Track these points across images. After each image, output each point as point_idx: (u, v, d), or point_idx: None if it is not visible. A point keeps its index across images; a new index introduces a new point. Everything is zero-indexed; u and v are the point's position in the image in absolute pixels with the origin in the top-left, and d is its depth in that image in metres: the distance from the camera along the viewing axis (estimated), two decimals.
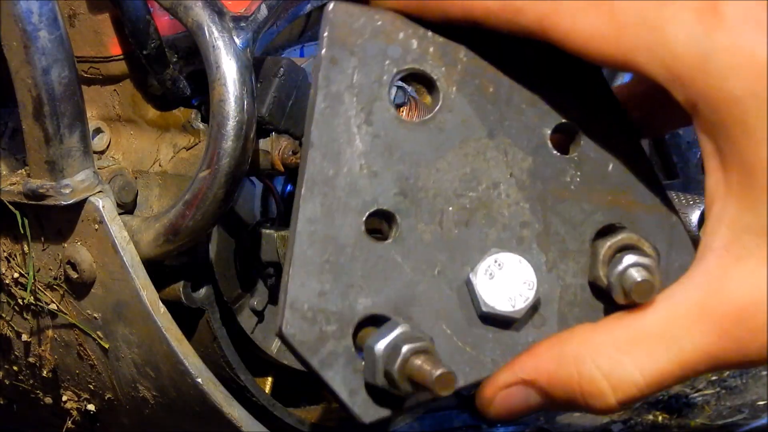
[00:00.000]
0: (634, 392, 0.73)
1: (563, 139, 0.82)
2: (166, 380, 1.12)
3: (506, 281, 0.78)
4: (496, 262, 0.78)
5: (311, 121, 0.78)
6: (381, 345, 0.75)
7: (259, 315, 1.24)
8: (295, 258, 0.76)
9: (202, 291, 1.18)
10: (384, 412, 0.77)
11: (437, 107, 0.80)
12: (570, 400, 0.75)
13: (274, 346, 1.26)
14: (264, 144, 1.14)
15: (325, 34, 0.79)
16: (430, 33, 0.81)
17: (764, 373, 1.87)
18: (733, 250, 0.72)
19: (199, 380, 1.10)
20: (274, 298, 1.25)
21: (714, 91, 0.72)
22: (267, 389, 1.30)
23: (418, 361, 0.74)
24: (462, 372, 0.78)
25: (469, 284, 0.78)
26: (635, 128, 0.82)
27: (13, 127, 1.16)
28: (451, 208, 0.79)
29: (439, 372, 0.73)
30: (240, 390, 1.22)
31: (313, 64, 0.82)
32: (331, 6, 0.80)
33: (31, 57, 1.03)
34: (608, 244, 0.79)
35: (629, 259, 0.77)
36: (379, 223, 0.80)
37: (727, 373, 1.88)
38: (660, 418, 1.71)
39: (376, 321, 0.78)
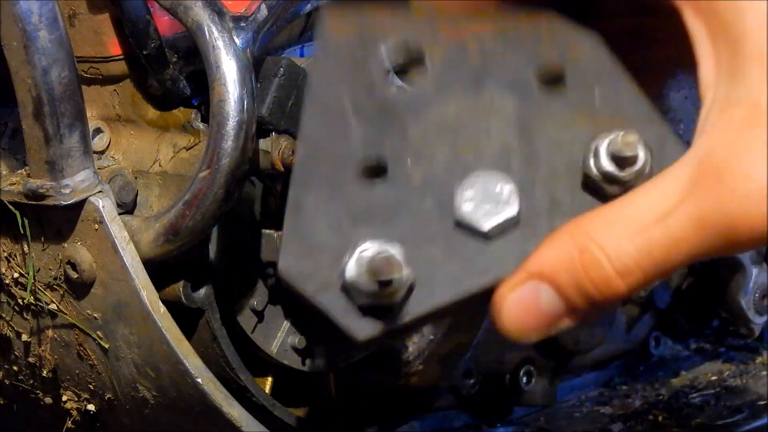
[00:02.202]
0: (630, 265, 0.73)
1: (549, 77, 0.83)
2: (166, 380, 1.12)
3: (484, 197, 0.80)
4: (470, 185, 0.80)
5: (307, 88, 0.82)
6: (350, 257, 0.77)
7: (259, 315, 1.24)
8: (289, 207, 0.80)
9: (202, 291, 1.18)
10: (378, 327, 0.79)
11: (425, 70, 0.82)
12: (577, 283, 0.73)
13: (274, 346, 1.26)
14: (264, 144, 1.14)
15: (319, 30, 0.83)
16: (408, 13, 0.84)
17: (764, 373, 1.87)
18: (719, 125, 0.72)
19: (199, 380, 1.10)
20: (274, 298, 1.25)
21: None
22: (267, 389, 1.30)
23: (378, 259, 0.76)
24: (451, 284, 0.79)
25: (456, 214, 0.80)
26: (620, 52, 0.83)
27: (13, 127, 1.16)
28: (439, 151, 0.82)
29: (380, 257, 0.75)
30: (240, 390, 1.22)
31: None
32: (323, 10, 0.85)
33: (31, 57, 1.03)
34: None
35: (613, 134, 0.78)
36: (371, 168, 0.83)
37: (727, 372, 1.88)
38: (660, 418, 1.71)
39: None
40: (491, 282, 0.79)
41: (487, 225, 0.79)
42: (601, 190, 0.79)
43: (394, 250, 0.78)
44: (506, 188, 0.80)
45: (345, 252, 0.79)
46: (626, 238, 0.72)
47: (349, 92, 0.83)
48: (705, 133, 0.73)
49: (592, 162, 0.79)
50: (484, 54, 0.84)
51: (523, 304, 0.75)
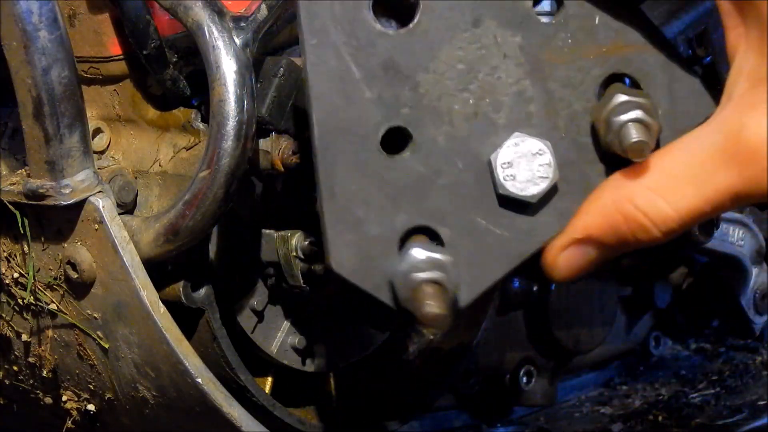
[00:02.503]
0: (672, 226, 0.84)
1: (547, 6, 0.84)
2: (166, 380, 1.12)
3: (523, 166, 0.81)
4: (507, 156, 0.81)
5: (305, 62, 0.81)
6: (399, 268, 0.80)
7: (259, 315, 1.24)
8: (324, 196, 0.80)
9: (202, 291, 1.18)
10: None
11: (418, 11, 0.82)
12: (622, 241, 0.85)
13: (274, 346, 1.26)
14: (264, 144, 1.14)
15: None
16: None
17: (764, 373, 1.87)
18: (748, 99, 0.81)
19: (199, 380, 1.10)
20: (274, 298, 1.25)
21: None
22: (267, 389, 1.30)
23: (429, 291, 0.77)
24: (503, 256, 0.83)
25: (491, 174, 0.81)
26: None
27: (13, 127, 1.16)
28: (456, 106, 0.82)
29: (426, 311, 0.78)
30: (240, 390, 1.22)
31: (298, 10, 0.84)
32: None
33: (31, 57, 1.03)
34: (603, 110, 0.83)
35: (624, 118, 0.82)
36: (395, 140, 0.82)
37: (727, 372, 1.88)
38: (660, 418, 1.71)
39: (421, 231, 0.82)
40: (538, 247, 0.82)
41: (534, 198, 0.81)
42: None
43: (442, 256, 0.79)
44: (543, 155, 0.82)
45: (392, 240, 0.80)
46: (668, 206, 0.83)
47: (350, 59, 0.82)
48: (734, 101, 0.81)
49: (602, 143, 0.83)
50: None
51: (573, 262, 0.86)
